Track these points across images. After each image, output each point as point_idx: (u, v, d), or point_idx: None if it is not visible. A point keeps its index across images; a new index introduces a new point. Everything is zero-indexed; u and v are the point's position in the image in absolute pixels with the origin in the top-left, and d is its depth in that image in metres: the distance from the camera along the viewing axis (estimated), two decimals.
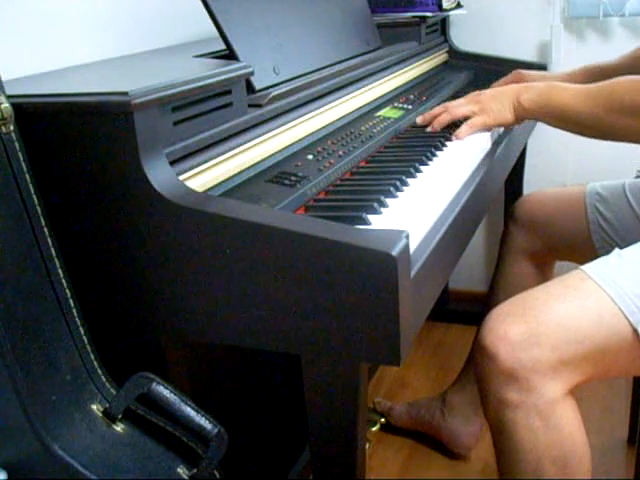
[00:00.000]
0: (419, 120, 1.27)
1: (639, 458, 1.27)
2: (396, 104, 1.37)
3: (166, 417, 0.73)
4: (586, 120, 1.07)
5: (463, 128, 1.18)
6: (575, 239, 1.30)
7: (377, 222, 0.83)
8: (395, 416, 1.60)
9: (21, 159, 0.70)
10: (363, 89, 1.28)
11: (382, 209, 0.87)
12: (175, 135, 0.79)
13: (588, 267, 0.94)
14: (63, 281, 0.73)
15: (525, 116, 1.17)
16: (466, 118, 1.20)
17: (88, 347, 0.74)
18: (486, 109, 1.18)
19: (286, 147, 1.00)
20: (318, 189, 0.93)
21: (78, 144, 0.76)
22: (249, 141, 0.91)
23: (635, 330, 0.88)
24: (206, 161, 0.83)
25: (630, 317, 0.88)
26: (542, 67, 1.83)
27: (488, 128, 1.20)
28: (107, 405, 0.73)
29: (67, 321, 0.73)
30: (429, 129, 1.24)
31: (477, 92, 1.24)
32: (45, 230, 0.72)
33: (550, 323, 0.88)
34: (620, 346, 0.89)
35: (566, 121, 1.11)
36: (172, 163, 0.77)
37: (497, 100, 1.18)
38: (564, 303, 0.90)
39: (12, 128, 0.70)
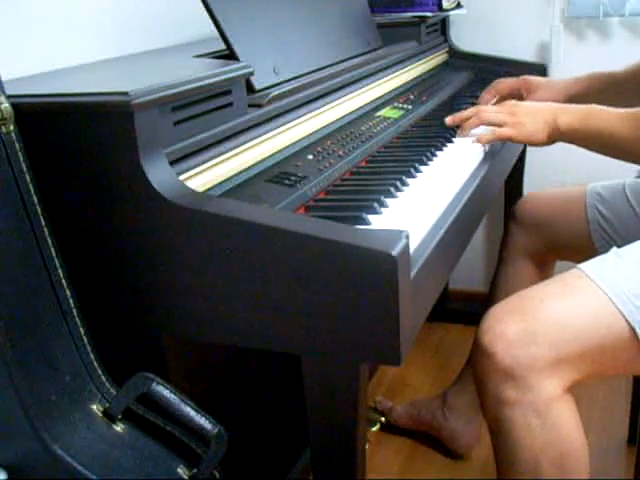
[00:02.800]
0: (449, 121, 1.22)
1: (639, 458, 1.27)
2: (396, 104, 1.37)
3: (166, 417, 0.73)
4: (629, 145, 1.04)
5: (489, 135, 1.15)
6: (575, 239, 1.30)
7: (377, 222, 0.83)
8: (395, 416, 1.60)
9: (21, 159, 0.70)
10: (363, 89, 1.28)
11: (382, 209, 0.87)
12: (175, 135, 0.79)
13: (585, 266, 0.94)
14: (63, 281, 0.73)
15: (559, 139, 1.12)
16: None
17: (88, 347, 0.74)
18: (518, 124, 1.13)
19: (286, 147, 1.00)
20: (318, 189, 0.93)
21: (78, 144, 0.76)
22: (249, 141, 0.91)
23: (632, 328, 0.88)
24: (206, 161, 0.83)
25: (627, 316, 0.88)
26: (542, 67, 1.83)
27: (513, 142, 1.17)
28: (107, 405, 0.73)
29: (67, 321, 0.73)
30: (459, 132, 1.20)
31: (513, 102, 1.19)
32: (45, 230, 0.72)
33: (547, 321, 0.89)
34: (617, 344, 0.89)
35: (606, 146, 1.07)
36: (172, 163, 0.77)
37: (532, 117, 1.12)
38: (561, 301, 0.91)
39: (12, 128, 0.70)
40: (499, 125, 1.14)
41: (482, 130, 1.19)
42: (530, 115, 1.13)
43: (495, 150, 1.21)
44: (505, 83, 1.43)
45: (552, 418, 0.88)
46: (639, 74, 1.33)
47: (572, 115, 1.10)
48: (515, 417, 0.89)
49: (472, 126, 1.19)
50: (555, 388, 0.88)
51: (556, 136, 1.11)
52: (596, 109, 1.10)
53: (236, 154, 0.89)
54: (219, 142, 0.86)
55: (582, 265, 0.94)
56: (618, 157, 1.09)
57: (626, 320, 0.88)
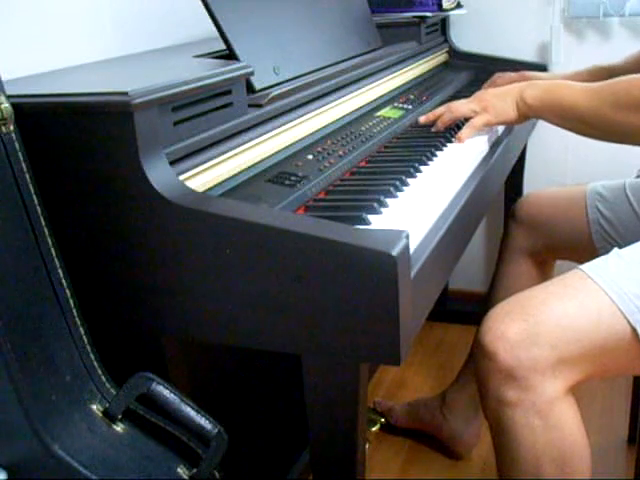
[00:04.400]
0: (422, 120, 1.26)
1: (639, 458, 1.27)
2: (396, 104, 1.37)
3: (166, 417, 0.73)
4: (590, 117, 1.06)
5: (464, 130, 1.17)
6: (576, 239, 1.30)
7: (377, 222, 0.83)
8: (395, 416, 1.60)
9: (21, 159, 0.70)
10: (363, 89, 1.28)
11: (382, 209, 0.87)
12: (175, 135, 0.79)
13: (587, 266, 0.94)
14: (63, 281, 0.73)
15: (528, 114, 1.15)
16: (468, 119, 1.20)
17: (88, 347, 0.74)
18: (488, 107, 1.17)
19: (286, 147, 1.00)
20: (318, 189, 0.93)
21: (78, 144, 0.76)
22: (249, 141, 0.91)
23: (634, 329, 0.88)
24: (206, 161, 0.83)
25: (629, 316, 0.88)
26: (542, 67, 1.83)
27: (490, 126, 1.20)
28: (107, 405, 0.73)
29: (67, 321, 0.73)
30: (433, 129, 1.23)
31: (481, 91, 1.23)
32: (45, 230, 0.72)
33: (549, 322, 0.89)
34: (619, 345, 0.89)
35: (570, 118, 1.09)
36: (172, 163, 0.77)
37: (500, 98, 1.16)
38: (563, 302, 0.91)
39: (12, 128, 0.70)
40: (470, 116, 1.18)
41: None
42: (498, 96, 1.17)
43: (497, 145, 1.21)
44: (504, 78, 1.44)
45: (554, 419, 0.88)
46: (632, 67, 1.33)
47: (538, 88, 1.13)
48: (516, 418, 0.89)
49: (445, 122, 1.22)
50: (556, 389, 0.88)
51: (525, 110, 1.14)
52: (561, 83, 1.13)
53: (236, 154, 0.89)
54: (219, 142, 0.86)
55: (584, 266, 0.94)
56: (579, 131, 1.11)
57: (627, 321, 0.88)
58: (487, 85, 1.45)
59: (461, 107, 1.20)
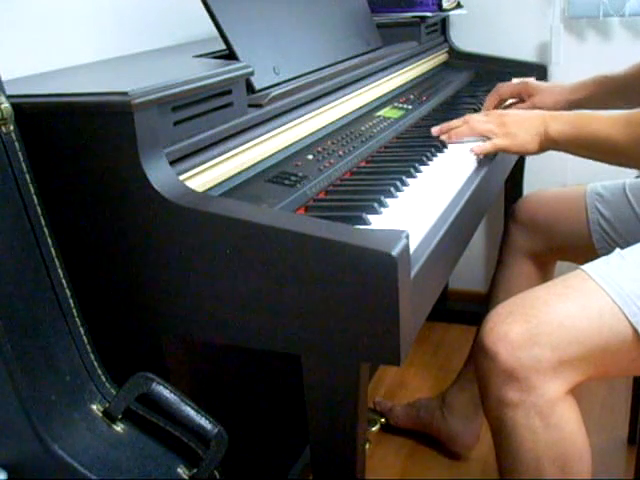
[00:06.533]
0: (435, 131, 1.19)
1: (639, 458, 1.27)
2: (396, 104, 1.37)
3: (166, 417, 0.73)
4: (626, 149, 1.01)
5: (487, 146, 1.12)
6: (575, 239, 1.30)
7: (377, 222, 0.83)
8: (395, 416, 1.60)
9: (21, 159, 0.70)
10: (363, 89, 1.28)
11: (382, 209, 0.87)
12: (175, 135, 0.79)
13: (589, 267, 0.94)
14: (63, 281, 0.73)
15: (550, 147, 1.10)
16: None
17: (88, 347, 0.74)
18: (509, 134, 1.11)
19: (286, 147, 1.00)
20: (318, 189, 0.93)
21: (78, 144, 0.76)
22: (249, 141, 0.91)
23: (635, 330, 0.88)
24: (206, 161, 0.83)
25: (631, 317, 0.88)
26: (542, 67, 1.83)
27: (507, 152, 1.15)
28: (107, 405, 0.73)
29: (67, 321, 0.73)
30: (443, 137, 1.17)
31: (501, 111, 1.18)
32: (45, 230, 0.72)
33: (551, 323, 0.89)
34: (620, 346, 0.89)
35: (600, 151, 1.05)
36: (172, 163, 0.77)
37: (522, 126, 1.10)
38: (565, 303, 0.90)
39: (12, 128, 0.70)
40: (488, 136, 1.13)
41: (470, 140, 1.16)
42: (520, 125, 1.11)
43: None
44: (507, 87, 1.42)
45: (555, 419, 0.88)
46: (635, 77, 1.32)
47: (564, 122, 1.08)
48: (517, 418, 0.89)
49: (461, 135, 1.16)
50: (558, 390, 0.88)
51: (548, 144, 1.10)
52: (587, 114, 1.09)
53: (236, 154, 0.89)
54: (219, 142, 0.86)
55: (585, 266, 0.94)
56: (613, 162, 1.07)
57: (629, 322, 0.88)
58: (490, 95, 1.42)
59: (480, 125, 1.14)
